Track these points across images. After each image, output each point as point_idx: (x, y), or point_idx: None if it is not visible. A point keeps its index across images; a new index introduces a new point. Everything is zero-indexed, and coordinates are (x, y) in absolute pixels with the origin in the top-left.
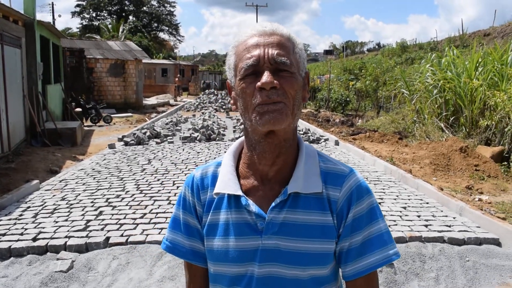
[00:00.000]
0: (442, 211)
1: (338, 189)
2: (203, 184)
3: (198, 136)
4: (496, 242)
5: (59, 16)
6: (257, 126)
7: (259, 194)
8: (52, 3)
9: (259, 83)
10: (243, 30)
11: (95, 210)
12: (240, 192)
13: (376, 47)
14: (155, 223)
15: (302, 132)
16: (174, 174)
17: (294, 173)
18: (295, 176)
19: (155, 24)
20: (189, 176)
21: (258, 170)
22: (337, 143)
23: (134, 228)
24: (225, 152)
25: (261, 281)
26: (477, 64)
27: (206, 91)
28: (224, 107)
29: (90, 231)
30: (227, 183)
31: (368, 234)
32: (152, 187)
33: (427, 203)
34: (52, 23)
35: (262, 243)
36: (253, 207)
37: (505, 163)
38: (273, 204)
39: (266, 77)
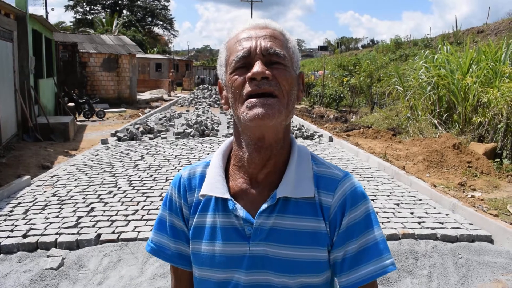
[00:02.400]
0: (435, 208)
1: (331, 195)
2: (191, 185)
3: (191, 131)
4: (489, 239)
5: (52, 9)
6: (246, 122)
7: (247, 197)
8: None
9: (249, 73)
10: (236, 26)
11: (87, 206)
12: (227, 195)
13: (371, 43)
14: (147, 220)
15: (296, 128)
16: (167, 170)
17: (284, 177)
18: (285, 179)
19: (149, 19)
20: (176, 176)
21: (248, 172)
22: (331, 139)
23: (126, 225)
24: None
25: None
26: (471, 61)
27: (200, 86)
28: (218, 102)
29: (81, 227)
30: (215, 185)
31: (364, 242)
32: (144, 183)
33: (420, 200)
34: (45, 16)
35: (249, 250)
36: (241, 211)
37: (498, 159)
38: (261, 209)
39: (257, 67)
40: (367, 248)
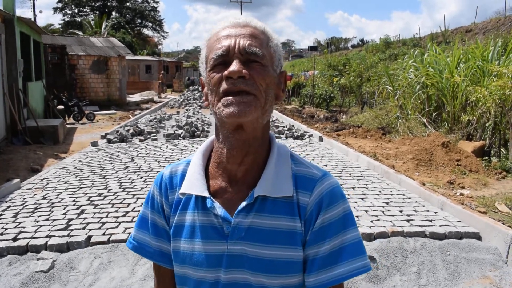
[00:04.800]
0: (424, 206)
1: (308, 194)
2: (172, 183)
3: (182, 133)
4: (477, 236)
5: (40, 12)
6: (222, 118)
7: (226, 196)
8: None
9: (226, 72)
10: (217, 23)
11: (77, 209)
12: (206, 194)
13: (360, 43)
14: None
15: (286, 128)
16: (157, 172)
17: (262, 175)
18: (263, 178)
19: (139, 20)
20: (159, 174)
21: (227, 169)
22: (321, 139)
23: (116, 227)
24: None
25: (227, 287)
26: (459, 60)
27: (191, 87)
28: None
29: (72, 230)
30: (194, 183)
31: (338, 243)
32: (135, 185)
33: (409, 198)
34: (33, 19)
35: (228, 248)
36: (219, 210)
37: (486, 157)
38: (239, 207)
39: (234, 66)
40: (340, 248)
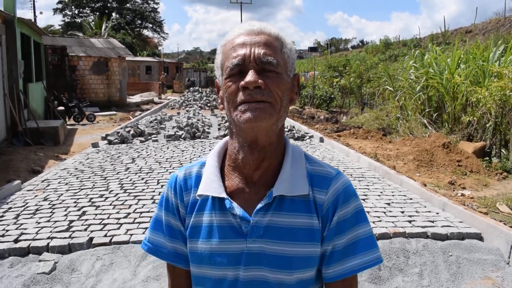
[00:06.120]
0: (425, 206)
1: (324, 192)
2: (187, 185)
3: (182, 134)
4: (478, 237)
5: (41, 13)
6: (239, 124)
7: (243, 196)
8: None
9: (242, 82)
10: (232, 29)
11: (78, 210)
12: (224, 195)
13: (360, 44)
14: (139, 223)
15: (287, 130)
16: (158, 173)
17: (279, 176)
18: (281, 178)
19: (139, 21)
20: (172, 176)
21: (243, 172)
22: (321, 140)
23: (118, 228)
24: (210, 150)
25: (245, 285)
26: (459, 61)
27: (191, 88)
28: (208, 104)
29: (73, 231)
30: (211, 185)
31: (352, 237)
32: (136, 186)
33: (411, 199)
34: (33, 20)
35: (247, 247)
36: (238, 210)
37: (487, 158)
38: (258, 207)
39: (250, 76)
40: (355, 242)
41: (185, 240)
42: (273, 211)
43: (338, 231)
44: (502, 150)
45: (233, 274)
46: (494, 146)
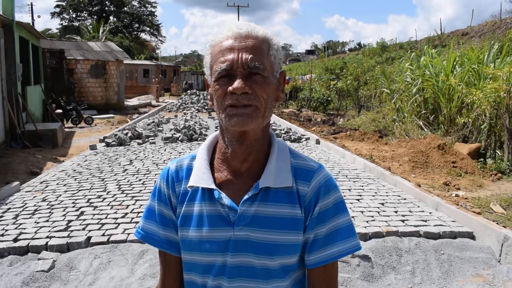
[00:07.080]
0: (418, 206)
1: (307, 184)
2: (178, 176)
3: (180, 136)
4: (470, 236)
5: (39, 16)
6: (227, 126)
7: (231, 187)
8: (31, 3)
9: (230, 88)
10: (220, 29)
11: (76, 210)
12: (213, 186)
13: (357, 46)
14: (137, 222)
15: (284, 132)
16: (155, 174)
17: (265, 169)
18: (267, 171)
19: (136, 25)
20: (165, 169)
21: (231, 165)
22: (318, 142)
23: (116, 228)
24: None
25: (233, 270)
26: (455, 63)
27: (188, 91)
28: (206, 107)
29: (72, 231)
30: (201, 177)
31: (332, 226)
32: (133, 187)
33: (405, 199)
34: (31, 23)
35: (234, 234)
36: (226, 200)
37: (482, 159)
38: (245, 197)
39: (237, 83)
40: (335, 231)
41: (176, 228)
42: (259, 201)
43: (319, 220)
44: (497, 151)
45: (222, 260)
46: (489, 148)
